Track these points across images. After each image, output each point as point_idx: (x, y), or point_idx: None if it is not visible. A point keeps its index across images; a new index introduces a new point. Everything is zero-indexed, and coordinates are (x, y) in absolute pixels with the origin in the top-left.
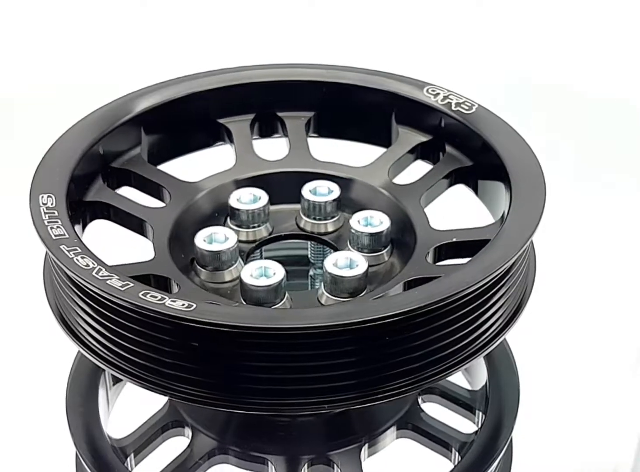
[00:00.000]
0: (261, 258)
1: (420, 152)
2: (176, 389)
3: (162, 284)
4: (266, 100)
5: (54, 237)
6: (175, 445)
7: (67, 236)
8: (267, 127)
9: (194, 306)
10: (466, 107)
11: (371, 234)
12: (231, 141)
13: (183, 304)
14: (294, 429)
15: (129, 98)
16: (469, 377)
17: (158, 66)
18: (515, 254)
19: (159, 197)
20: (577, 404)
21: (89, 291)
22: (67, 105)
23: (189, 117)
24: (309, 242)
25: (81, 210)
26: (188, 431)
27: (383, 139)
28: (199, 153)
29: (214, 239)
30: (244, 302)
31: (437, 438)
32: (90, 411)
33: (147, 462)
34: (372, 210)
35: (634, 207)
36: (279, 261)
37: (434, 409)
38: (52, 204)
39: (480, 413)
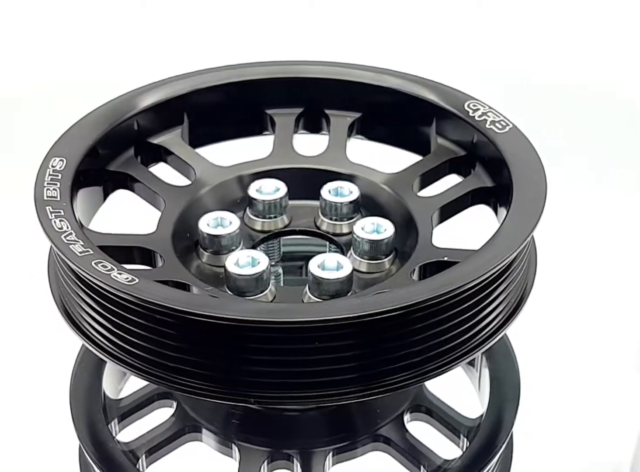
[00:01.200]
0: (279, 251)
1: (453, 165)
2: (157, 375)
3: (146, 257)
4: (315, 97)
5: (45, 198)
6: (161, 416)
7: (58, 198)
8: (313, 123)
9: (136, 281)
10: (500, 127)
11: (371, 241)
12: (274, 132)
13: (127, 278)
14: (270, 421)
15: (173, 80)
16: (478, 392)
17: (157, 66)
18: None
19: (187, 176)
20: (578, 402)
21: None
22: (67, 105)
23: (235, 104)
24: (327, 242)
25: (103, 179)
26: (174, 404)
27: (422, 147)
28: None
29: (218, 223)
30: (228, 290)
31: (410, 457)
32: (94, 380)
33: (133, 430)
34: (380, 218)
35: (634, 206)
36: (299, 257)
37: (421, 429)
38: (60, 167)
39: (466, 439)
